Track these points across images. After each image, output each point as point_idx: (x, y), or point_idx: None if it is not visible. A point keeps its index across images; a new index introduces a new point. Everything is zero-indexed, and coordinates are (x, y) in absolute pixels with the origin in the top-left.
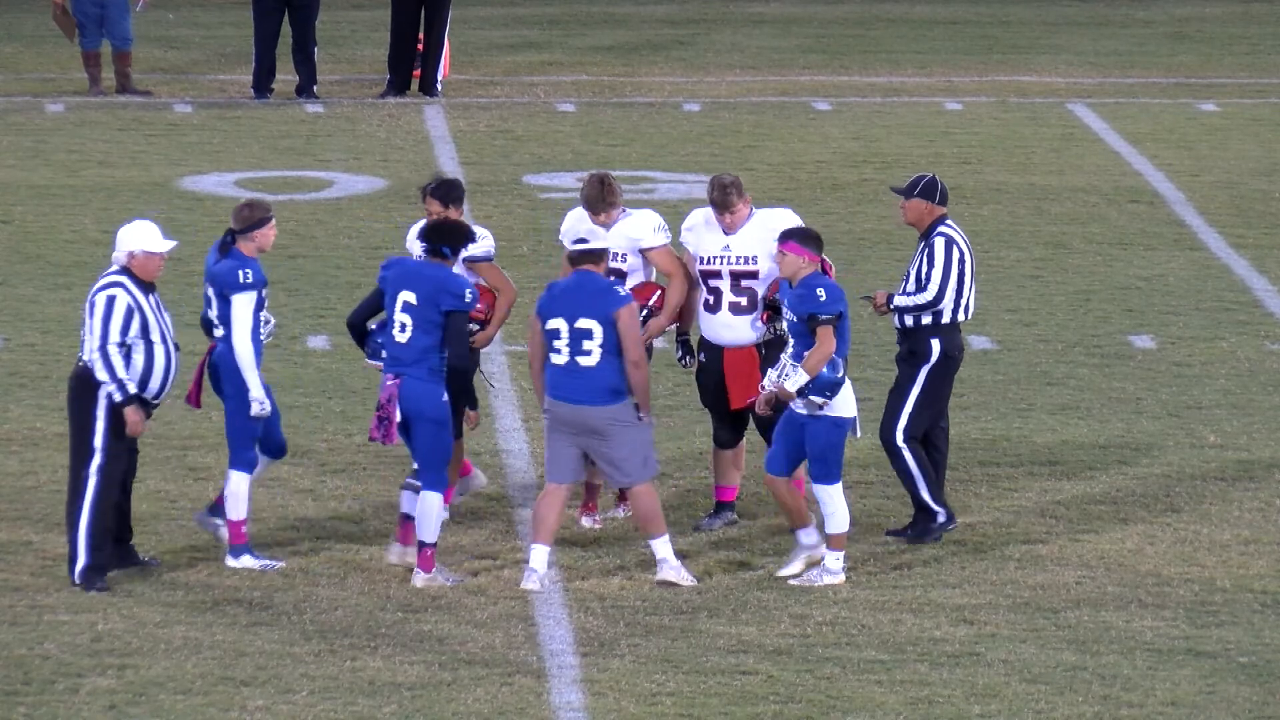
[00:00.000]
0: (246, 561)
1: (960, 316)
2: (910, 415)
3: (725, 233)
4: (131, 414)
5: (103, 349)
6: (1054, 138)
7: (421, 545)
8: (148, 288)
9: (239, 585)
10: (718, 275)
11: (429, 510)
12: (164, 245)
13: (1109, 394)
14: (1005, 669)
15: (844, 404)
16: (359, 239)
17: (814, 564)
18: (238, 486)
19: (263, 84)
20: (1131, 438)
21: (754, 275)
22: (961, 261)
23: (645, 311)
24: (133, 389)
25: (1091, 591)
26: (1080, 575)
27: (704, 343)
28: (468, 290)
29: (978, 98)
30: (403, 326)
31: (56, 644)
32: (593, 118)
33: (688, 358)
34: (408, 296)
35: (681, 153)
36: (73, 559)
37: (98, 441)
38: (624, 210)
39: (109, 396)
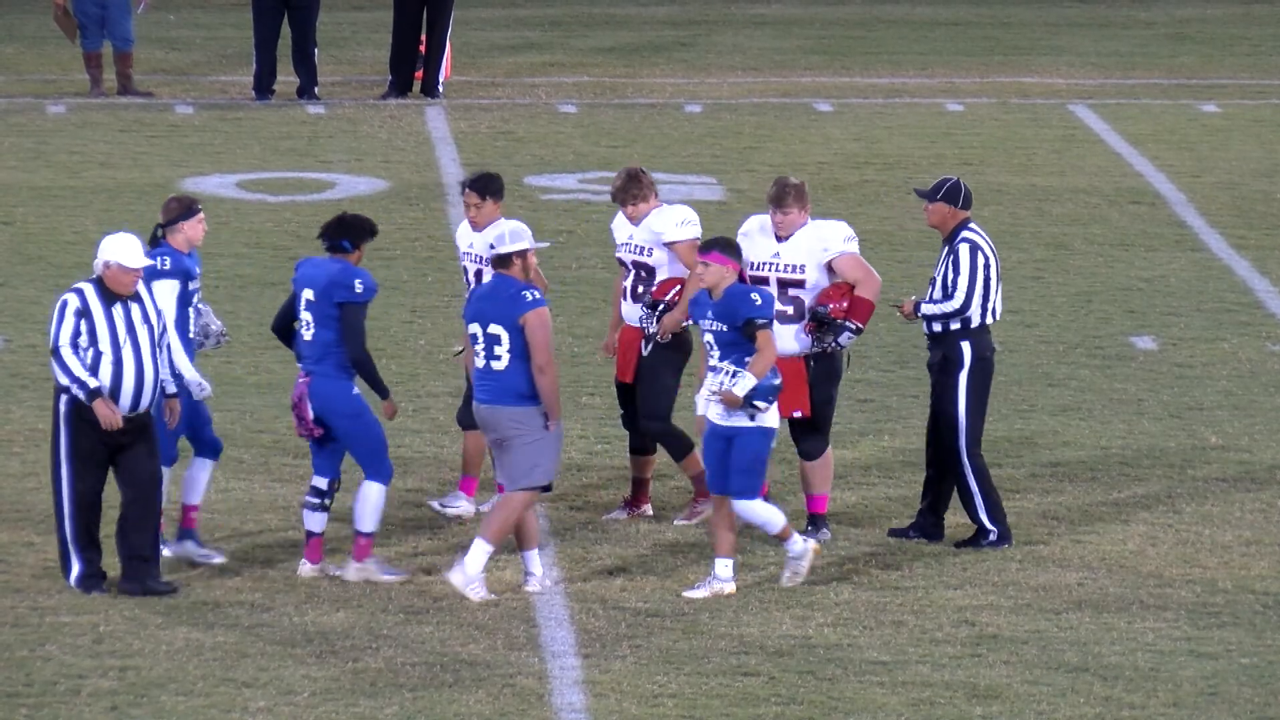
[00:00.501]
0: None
1: (989, 319)
2: (966, 428)
3: (776, 239)
4: (101, 407)
5: (55, 351)
6: (1055, 139)
7: (358, 534)
8: (115, 298)
9: (240, 587)
10: (765, 283)
11: (367, 499)
12: (139, 261)
13: (1110, 395)
14: (1007, 670)
15: (771, 414)
16: None
17: (798, 573)
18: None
19: (264, 85)
20: (1133, 439)
21: (801, 284)
22: (987, 266)
23: (662, 306)
24: (94, 383)
25: (1093, 593)
26: (1082, 576)
27: None
28: (357, 281)
29: (979, 99)
30: (307, 324)
31: (58, 645)
32: (594, 119)
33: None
34: (308, 294)
35: (683, 154)
36: (65, 565)
37: (62, 452)
38: (658, 205)
39: (69, 401)
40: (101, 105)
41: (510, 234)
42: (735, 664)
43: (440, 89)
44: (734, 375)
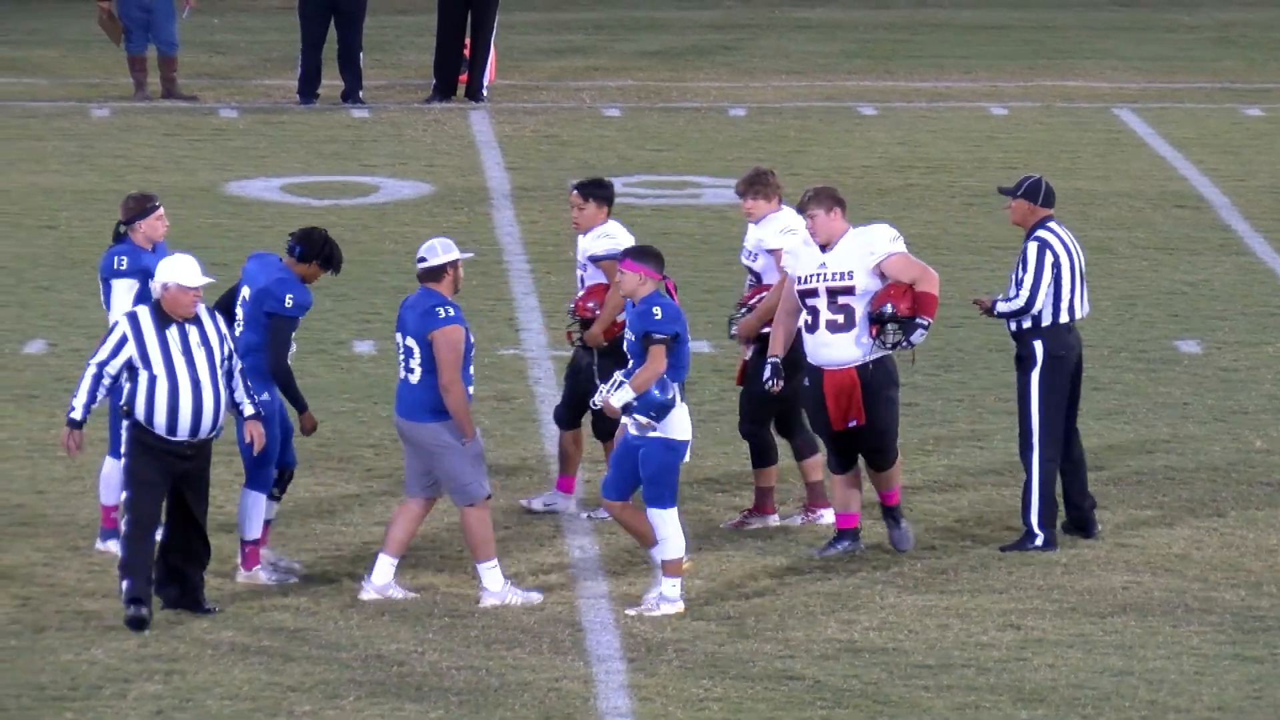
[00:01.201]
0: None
1: (1064, 318)
2: (1040, 429)
3: (821, 249)
4: (65, 437)
5: (87, 365)
6: (1099, 143)
7: (243, 543)
8: (171, 321)
9: (286, 590)
10: (815, 294)
11: (244, 507)
12: (197, 280)
13: (1155, 399)
14: (1052, 674)
15: (678, 426)
16: (404, 244)
17: (651, 610)
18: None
19: (309, 89)
20: (1178, 443)
21: (850, 291)
22: (1056, 265)
23: (744, 310)
24: (79, 415)
25: (1138, 596)
26: (1127, 580)
27: (807, 366)
28: (289, 296)
29: (1023, 103)
30: (239, 320)
31: (104, 650)
32: (638, 123)
33: (774, 380)
34: (245, 291)
35: (727, 158)
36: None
37: (125, 476)
38: (778, 209)
39: (131, 426)
40: (146, 109)
41: (441, 246)
42: (780, 668)
43: (484, 93)
44: (618, 385)
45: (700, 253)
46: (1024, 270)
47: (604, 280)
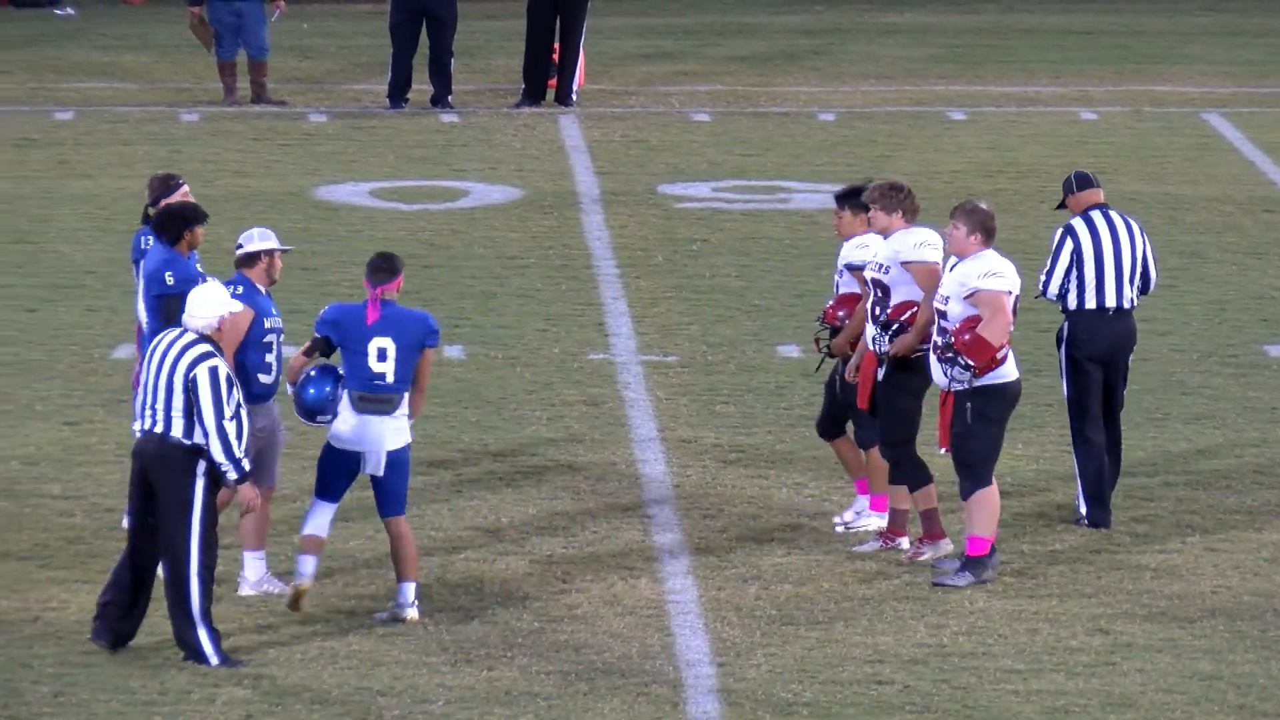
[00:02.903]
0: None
1: (1090, 304)
2: (1069, 409)
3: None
4: (249, 490)
5: (220, 428)
6: (1188, 147)
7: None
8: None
9: (375, 595)
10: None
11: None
12: (235, 304)
13: (1244, 403)
14: (1141, 678)
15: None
16: (493, 249)
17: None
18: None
19: (398, 94)
20: (1267, 447)
21: (944, 316)
22: (1076, 251)
23: (896, 327)
24: (248, 465)
25: (1227, 601)
26: (1216, 585)
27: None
28: (168, 274)
29: (1112, 107)
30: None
31: None
32: (727, 127)
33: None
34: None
35: (816, 162)
36: (197, 645)
37: (195, 527)
38: (904, 226)
39: (207, 474)
40: (235, 114)
41: (259, 234)
42: (870, 672)
43: (574, 97)
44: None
45: (789, 257)
46: (1050, 257)
47: (856, 290)
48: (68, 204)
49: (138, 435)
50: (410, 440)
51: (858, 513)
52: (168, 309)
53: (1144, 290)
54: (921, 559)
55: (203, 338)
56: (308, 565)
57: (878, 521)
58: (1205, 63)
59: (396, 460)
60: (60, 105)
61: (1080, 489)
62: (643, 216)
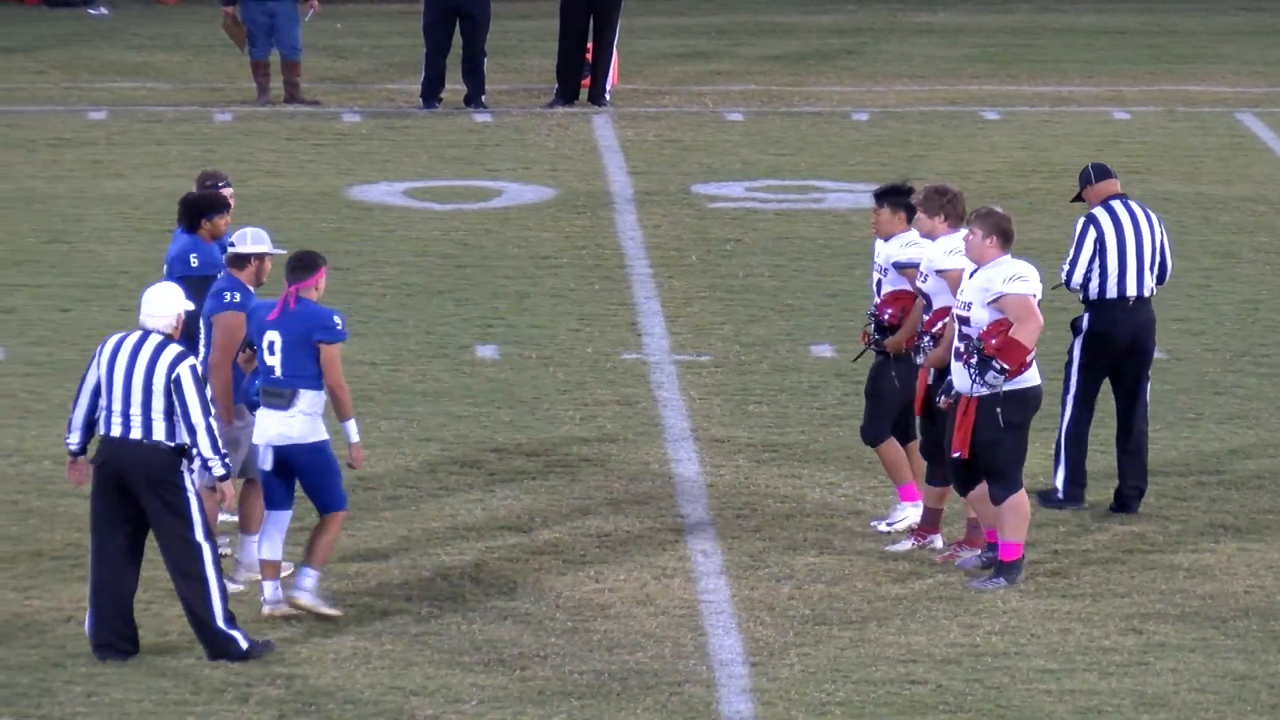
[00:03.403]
0: None
1: (1112, 293)
2: (1073, 396)
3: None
4: (229, 488)
5: (207, 425)
6: (1222, 147)
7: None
8: None
9: (408, 595)
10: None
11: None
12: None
13: (1277, 403)
14: (1174, 678)
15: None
16: (527, 248)
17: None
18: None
19: (431, 94)
20: None
21: (967, 321)
22: (1099, 241)
23: (928, 338)
24: (229, 462)
25: (1260, 601)
26: (1249, 584)
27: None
28: (192, 256)
29: (1145, 107)
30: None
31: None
32: (761, 127)
33: (943, 396)
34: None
35: (850, 162)
36: (232, 643)
37: (195, 515)
38: (947, 231)
39: (198, 472)
40: (268, 113)
41: (252, 236)
42: (903, 672)
43: (607, 97)
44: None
45: (823, 257)
46: (1072, 247)
47: (905, 287)
48: (101, 204)
49: (103, 440)
50: (318, 439)
51: (889, 522)
52: (190, 292)
53: (1161, 279)
54: (959, 560)
55: (168, 338)
56: (269, 590)
57: (912, 513)
58: (1239, 62)
59: (303, 461)
60: (94, 105)
61: (1065, 473)
62: (676, 216)
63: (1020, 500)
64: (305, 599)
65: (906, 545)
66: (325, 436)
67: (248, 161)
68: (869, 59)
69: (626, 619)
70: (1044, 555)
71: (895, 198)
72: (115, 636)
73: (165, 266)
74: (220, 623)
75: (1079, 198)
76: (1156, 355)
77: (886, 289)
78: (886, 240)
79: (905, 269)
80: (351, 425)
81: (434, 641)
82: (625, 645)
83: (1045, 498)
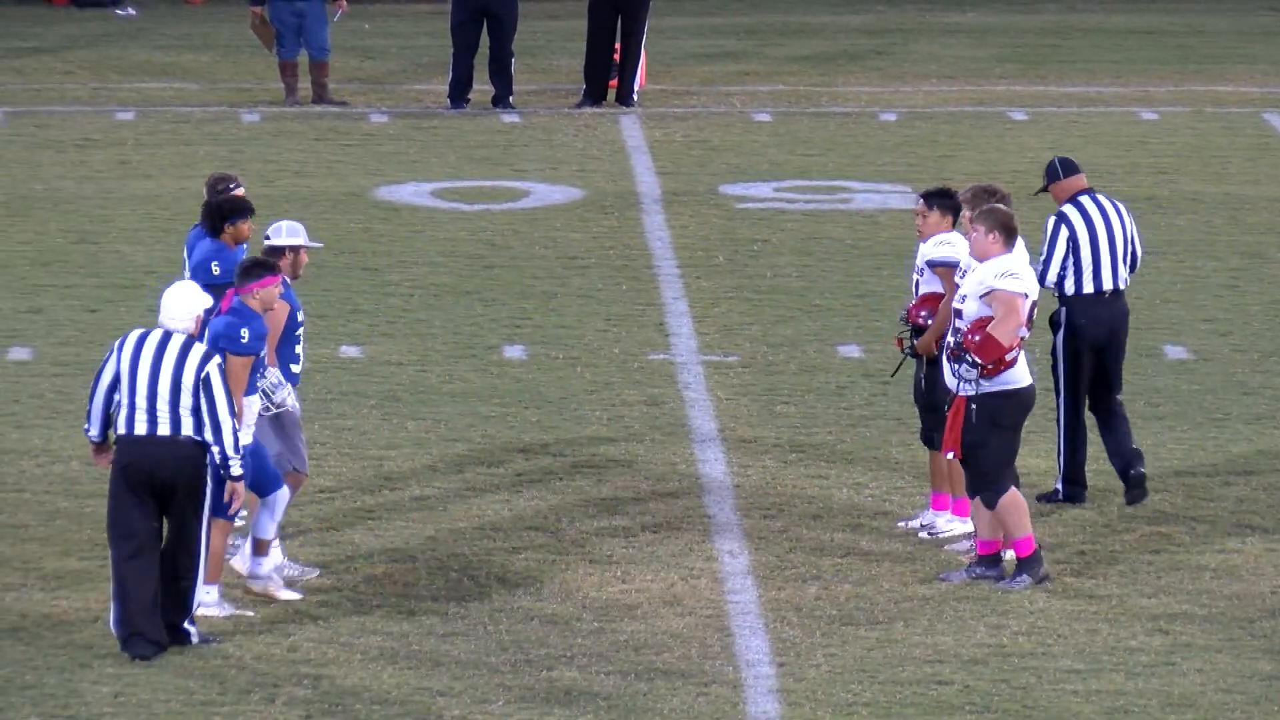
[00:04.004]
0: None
1: (1088, 288)
2: (1063, 392)
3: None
4: (242, 488)
5: (231, 422)
6: (1250, 147)
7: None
8: None
9: (435, 595)
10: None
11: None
12: (209, 301)
13: None
14: (1201, 679)
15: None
16: (555, 249)
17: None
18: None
19: (459, 94)
20: None
21: (959, 315)
22: (1072, 238)
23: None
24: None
25: None
26: (1276, 585)
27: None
28: (214, 264)
29: (1173, 107)
30: None
31: (252, 654)
32: (789, 127)
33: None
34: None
35: (878, 162)
36: (188, 635)
37: (205, 515)
38: (966, 231)
39: (219, 469)
40: (296, 114)
41: (287, 229)
42: (930, 673)
43: (635, 97)
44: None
45: (850, 257)
46: (1045, 246)
47: (938, 288)
48: (129, 204)
49: (125, 440)
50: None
51: (924, 524)
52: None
53: (1132, 269)
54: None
55: (192, 337)
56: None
57: (962, 526)
58: (1267, 63)
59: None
60: (122, 105)
61: (1063, 471)
62: (704, 217)
63: (1013, 498)
64: (259, 585)
65: (965, 546)
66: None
67: (275, 162)
68: (897, 59)
69: (653, 619)
70: (1070, 556)
71: (946, 200)
72: (141, 634)
73: (187, 271)
74: (186, 623)
75: (1044, 190)
76: (1185, 355)
77: (923, 290)
78: (926, 240)
79: (939, 267)
80: (241, 434)
81: (461, 642)
82: (652, 646)
83: (1048, 498)
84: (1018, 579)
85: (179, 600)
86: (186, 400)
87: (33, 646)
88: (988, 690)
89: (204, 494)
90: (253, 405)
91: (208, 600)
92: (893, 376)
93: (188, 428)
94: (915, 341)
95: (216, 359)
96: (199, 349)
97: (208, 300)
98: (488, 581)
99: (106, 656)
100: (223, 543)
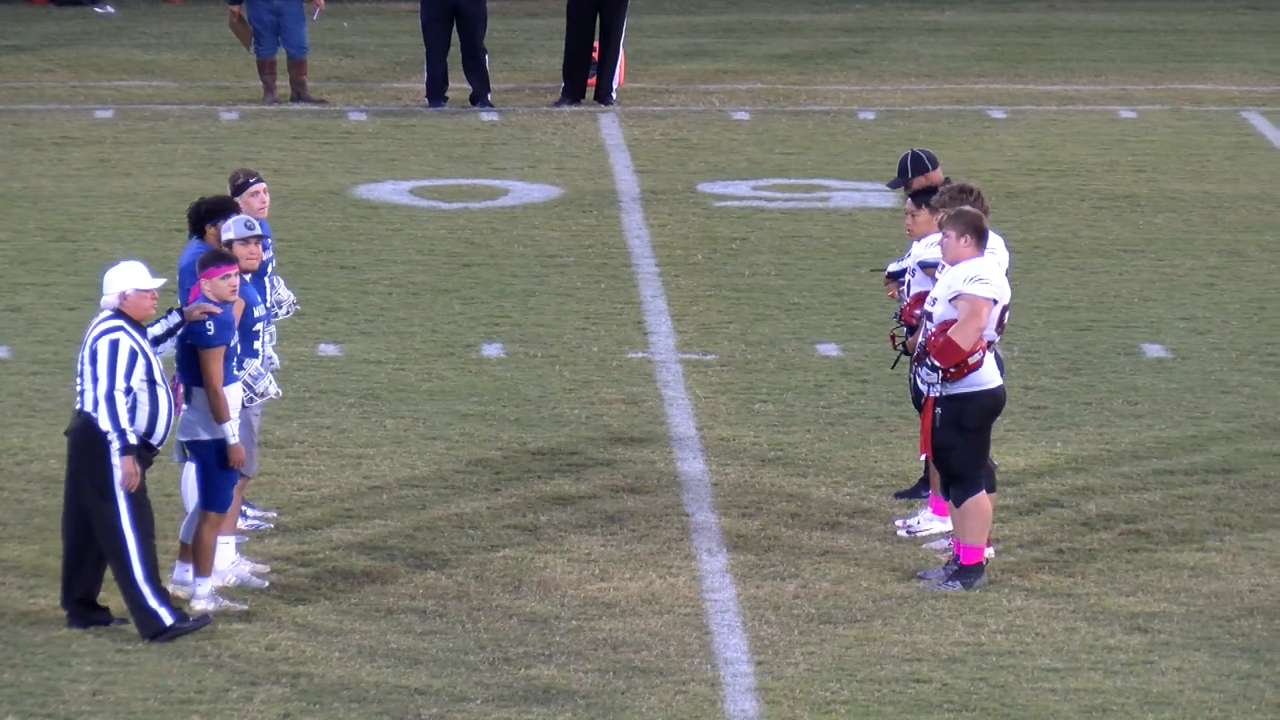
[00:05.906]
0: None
1: None
2: None
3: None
4: (129, 464)
5: (109, 396)
6: (1228, 146)
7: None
8: (141, 329)
9: (413, 593)
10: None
11: None
12: (154, 282)
13: None
14: (1179, 677)
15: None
16: (534, 247)
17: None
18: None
19: (436, 92)
20: None
21: (929, 317)
22: None
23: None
24: (133, 439)
25: (1265, 599)
26: (1254, 583)
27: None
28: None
29: (1152, 106)
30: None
31: (230, 652)
32: (768, 126)
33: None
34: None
35: (856, 161)
36: (147, 620)
37: (118, 493)
38: (932, 230)
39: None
40: (274, 112)
41: (234, 225)
42: (908, 671)
43: (614, 96)
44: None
45: (829, 256)
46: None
47: (929, 287)
48: (108, 202)
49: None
50: (210, 437)
51: (913, 523)
52: None
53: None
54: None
55: (115, 313)
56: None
57: (940, 525)
58: (1246, 61)
59: (194, 456)
60: (101, 103)
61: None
62: (682, 215)
63: (980, 503)
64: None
65: (942, 544)
66: (219, 436)
67: (254, 160)
68: (876, 58)
69: (631, 618)
70: (1049, 555)
71: (932, 198)
72: (76, 605)
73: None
74: (143, 596)
75: (899, 185)
76: (1163, 353)
77: (914, 289)
78: (919, 240)
79: (929, 268)
80: (229, 427)
81: (439, 640)
82: (630, 644)
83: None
84: (950, 584)
85: (122, 581)
86: (88, 372)
87: (11, 645)
88: (966, 689)
89: (107, 469)
90: (235, 395)
91: (200, 593)
92: (893, 369)
93: (87, 403)
94: (908, 340)
95: (110, 336)
96: (104, 325)
97: (140, 280)
98: (466, 579)
99: (85, 654)
100: (213, 536)
